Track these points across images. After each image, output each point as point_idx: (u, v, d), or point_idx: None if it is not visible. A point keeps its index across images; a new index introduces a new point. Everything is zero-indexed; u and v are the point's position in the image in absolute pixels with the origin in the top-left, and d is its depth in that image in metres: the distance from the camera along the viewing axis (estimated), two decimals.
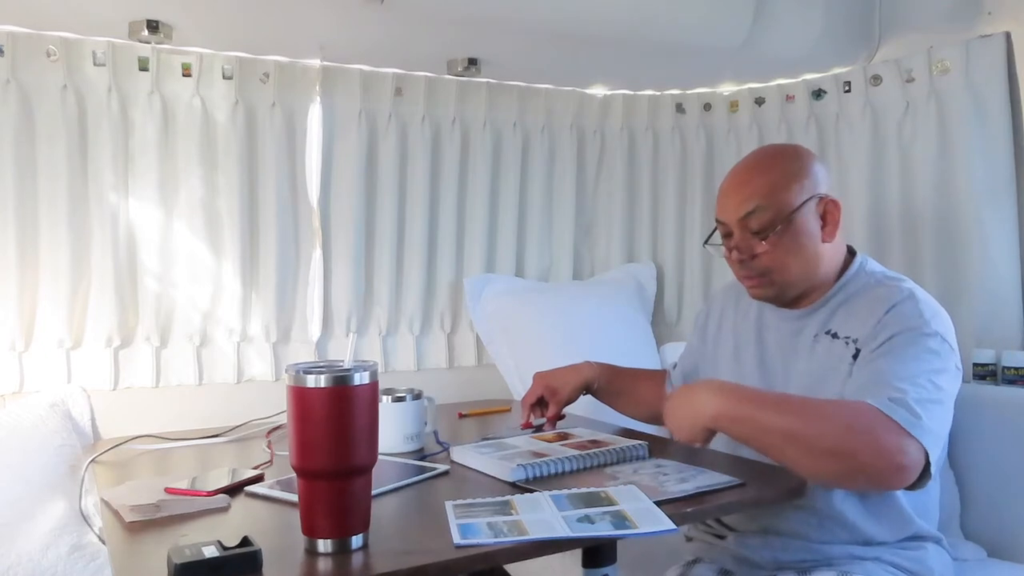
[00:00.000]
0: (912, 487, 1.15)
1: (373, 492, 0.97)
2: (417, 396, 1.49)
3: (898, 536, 1.28)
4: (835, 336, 1.28)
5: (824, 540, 1.28)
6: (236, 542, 0.90)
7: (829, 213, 1.31)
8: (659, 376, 1.63)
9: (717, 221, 1.37)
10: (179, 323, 1.88)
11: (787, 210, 1.29)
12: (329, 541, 0.93)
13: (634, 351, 2.17)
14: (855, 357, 1.23)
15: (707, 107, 2.37)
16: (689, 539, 1.49)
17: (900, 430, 1.09)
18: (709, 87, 2.35)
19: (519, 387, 2.09)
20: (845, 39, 2.05)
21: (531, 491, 1.14)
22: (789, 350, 1.34)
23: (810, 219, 1.30)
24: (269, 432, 1.59)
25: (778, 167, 1.32)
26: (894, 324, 1.21)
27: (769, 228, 1.29)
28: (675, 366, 1.63)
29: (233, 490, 1.19)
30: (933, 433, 1.12)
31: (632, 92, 2.38)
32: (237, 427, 1.66)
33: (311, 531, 0.93)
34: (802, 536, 1.29)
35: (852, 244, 1.41)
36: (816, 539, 1.28)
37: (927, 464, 1.12)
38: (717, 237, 1.39)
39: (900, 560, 1.26)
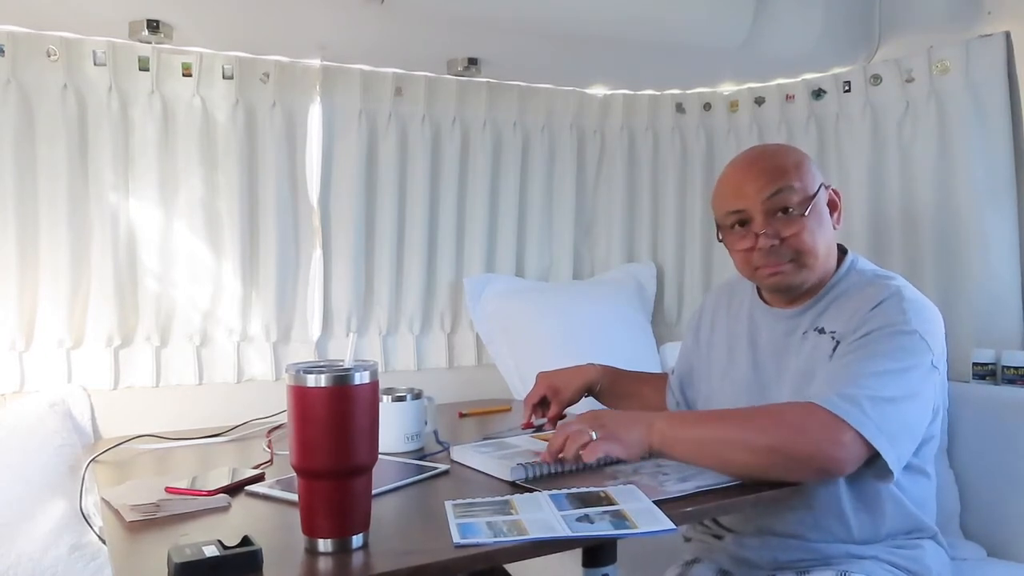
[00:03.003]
0: (881, 479, 1.16)
1: (373, 492, 0.97)
2: (417, 396, 1.49)
3: (895, 534, 1.28)
4: (821, 331, 1.28)
5: (821, 540, 1.28)
6: (236, 541, 0.90)
7: (834, 202, 1.34)
8: (661, 380, 1.63)
9: (730, 213, 1.32)
10: (179, 323, 1.88)
11: (812, 190, 1.29)
12: (329, 541, 0.93)
13: (634, 351, 2.17)
14: (834, 351, 1.24)
15: (707, 107, 2.37)
16: (687, 539, 1.49)
17: (838, 422, 1.11)
18: (709, 87, 2.35)
19: (519, 387, 2.09)
20: (845, 39, 2.05)
21: (531, 490, 1.14)
22: (782, 349, 1.34)
23: (823, 205, 1.31)
24: (269, 432, 1.59)
25: (793, 154, 1.34)
26: (874, 321, 1.21)
27: (800, 206, 1.28)
28: (673, 371, 1.63)
29: (233, 490, 1.19)
30: (882, 429, 1.12)
31: (632, 92, 2.38)
32: (237, 427, 1.66)
33: (311, 531, 0.93)
34: (799, 536, 1.29)
35: (852, 244, 1.41)
36: (814, 539, 1.28)
37: (881, 458, 1.12)
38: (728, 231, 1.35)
39: (898, 559, 1.26)
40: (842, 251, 1.38)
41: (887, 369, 1.16)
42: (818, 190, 1.30)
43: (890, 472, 1.14)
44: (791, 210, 1.28)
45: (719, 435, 1.18)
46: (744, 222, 1.31)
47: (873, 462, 1.14)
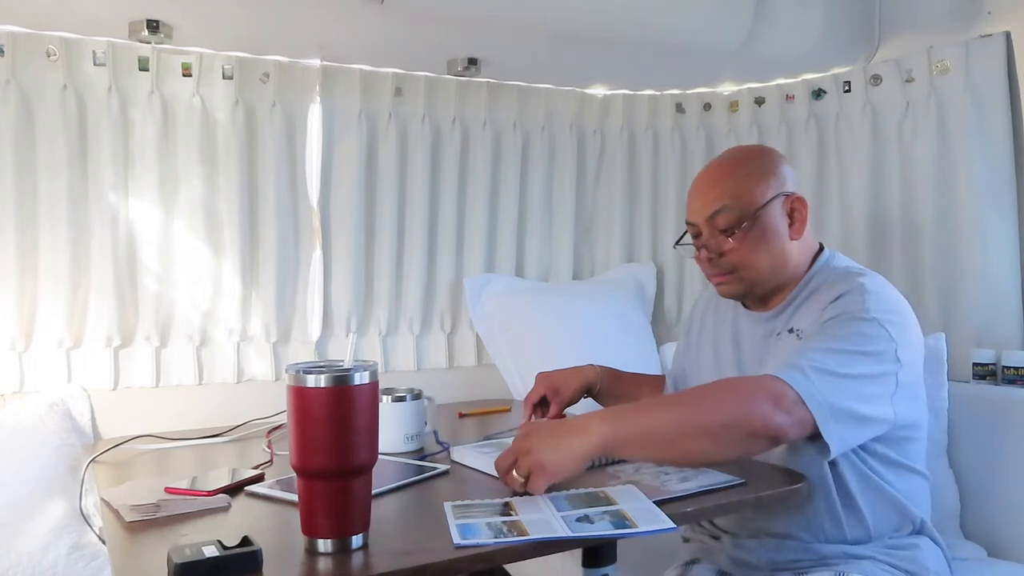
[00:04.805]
0: (821, 455, 1.15)
1: (373, 492, 0.97)
2: (417, 396, 1.49)
3: (892, 534, 1.28)
4: (791, 331, 1.29)
5: (816, 540, 1.28)
6: (236, 542, 0.90)
7: (796, 211, 1.33)
8: (659, 381, 1.64)
9: (687, 223, 1.39)
10: (179, 323, 1.88)
11: (753, 208, 1.31)
12: (329, 541, 0.93)
13: (634, 351, 2.17)
14: None
15: (707, 107, 2.37)
16: (686, 540, 1.49)
17: (782, 386, 1.10)
18: (709, 87, 2.35)
19: (519, 387, 2.09)
20: (845, 39, 2.05)
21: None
22: (762, 352, 1.35)
23: (777, 217, 1.32)
24: (269, 432, 1.60)
25: (744, 166, 1.35)
26: (832, 310, 1.21)
27: (735, 226, 1.31)
28: (670, 373, 1.63)
29: (233, 490, 1.19)
30: (824, 400, 1.10)
31: (632, 92, 2.38)
32: (237, 427, 1.66)
33: (311, 531, 0.93)
34: (794, 537, 1.29)
35: (852, 244, 1.40)
36: (808, 539, 1.28)
37: (824, 434, 1.10)
38: (687, 239, 1.41)
39: (895, 559, 1.26)
40: (822, 249, 1.39)
41: (841, 348, 1.15)
42: (767, 203, 1.30)
43: (827, 447, 1.12)
44: (727, 229, 1.31)
45: (671, 423, 1.11)
46: (697, 234, 1.37)
47: (817, 439, 1.13)
